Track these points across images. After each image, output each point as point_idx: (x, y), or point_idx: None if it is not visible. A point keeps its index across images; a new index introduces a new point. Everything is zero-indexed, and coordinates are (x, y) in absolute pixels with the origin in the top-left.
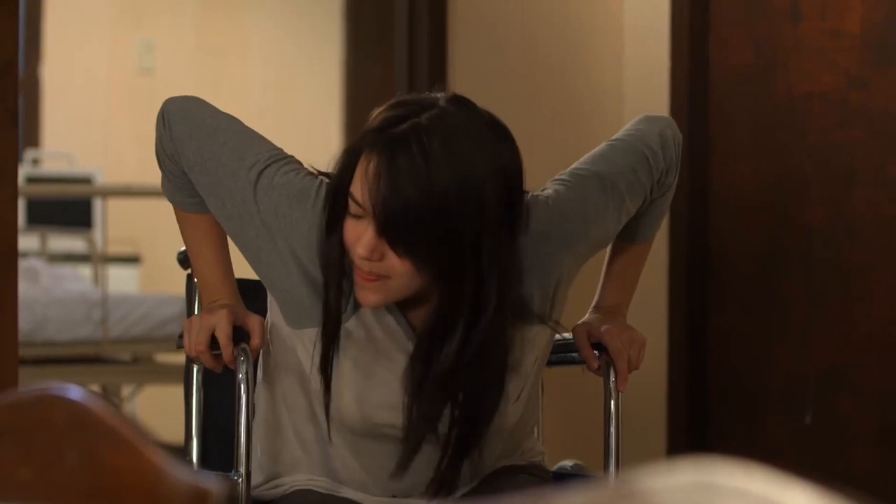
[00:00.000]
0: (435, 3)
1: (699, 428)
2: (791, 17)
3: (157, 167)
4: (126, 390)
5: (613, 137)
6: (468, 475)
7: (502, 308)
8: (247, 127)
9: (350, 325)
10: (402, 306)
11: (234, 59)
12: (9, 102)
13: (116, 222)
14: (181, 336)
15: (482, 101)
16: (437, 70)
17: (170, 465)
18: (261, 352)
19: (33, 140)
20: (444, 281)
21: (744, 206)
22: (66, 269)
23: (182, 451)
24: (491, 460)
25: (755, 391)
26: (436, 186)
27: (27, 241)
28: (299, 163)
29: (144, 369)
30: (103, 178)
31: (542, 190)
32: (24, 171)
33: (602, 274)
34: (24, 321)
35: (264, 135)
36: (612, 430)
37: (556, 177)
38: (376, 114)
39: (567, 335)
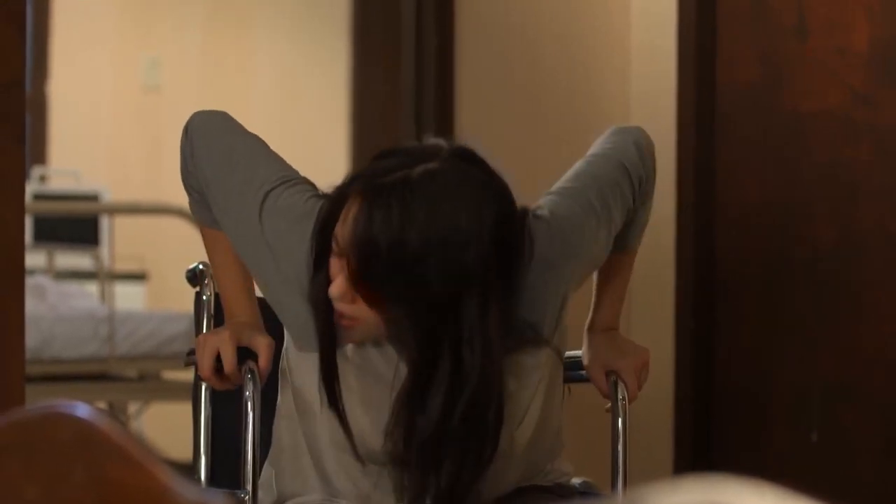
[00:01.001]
0: (442, 19)
1: (705, 444)
2: (798, 34)
3: (165, 185)
4: (133, 407)
5: (590, 153)
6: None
7: (486, 373)
8: (264, 147)
9: (349, 350)
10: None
11: (240, 76)
12: (16, 120)
13: (123, 239)
14: (189, 353)
15: (488, 117)
16: (444, 85)
17: (177, 483)
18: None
19: (40, 157)
20: (420, 341)
21: (750, 222)
22: (73, 287)
23: (190, 469)
24: (506, 485)
25: (761, 407)
26: (409, 244)
27: (34, 259)
28: (312, 185)
29: (151, 386)
30: (110, 195)
31: (537, 209)
32: (31, 188)
33: (594, 289)
34: (31, 338)
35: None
36: (620, 448)
37: (547, 193)
38: (377, 155)
39: (574, 353)
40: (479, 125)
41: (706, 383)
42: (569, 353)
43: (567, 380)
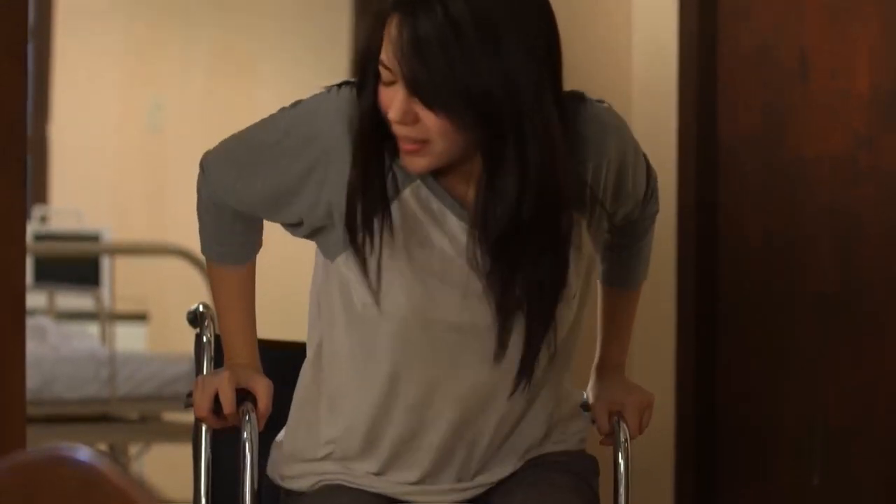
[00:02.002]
0: None
1: (707, 484)
2: (800, 77)
3: (166, 225)
4: (134, 449)
5: None
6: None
7: (549, 151)
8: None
9: (392, 208)
10: (450, 187)
11: (243, 118)
12: (17, 161)
13: (124, 280)
14: (188, 395)
15: None
16: None
17: None
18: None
19: (41, 197)
20: (485, 137)
21: (754, 265)
22: (74, 327)
23: None
24: (532, 429)
25: (764, 446)
26: (459, 27)
27: (35, 299)
28: None
29: (152, 428)
30: (111, 235)
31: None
32: (32, 228)
33: (599, 327)
34: (32, 379)
35: (273, 192)
36: (622, 490)
37: None
38: None
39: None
40: None
41: (708, 422)
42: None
43: None
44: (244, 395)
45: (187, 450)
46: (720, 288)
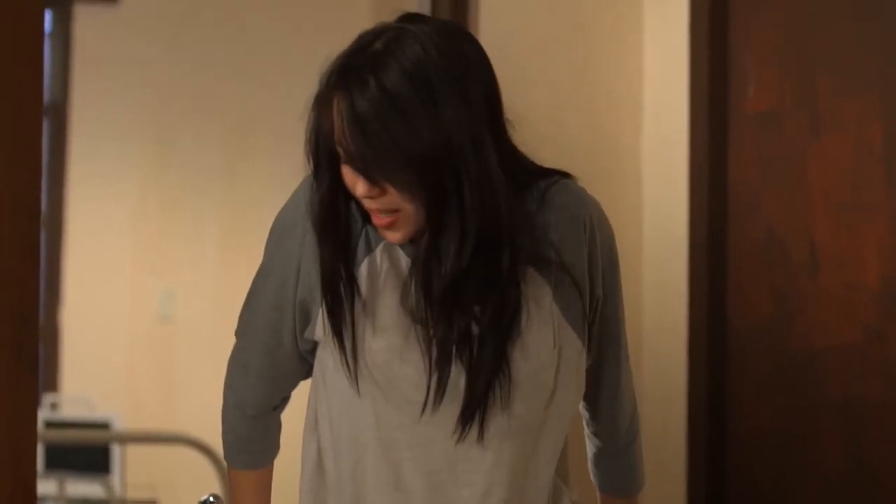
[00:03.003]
0: None
1: None
2: (810, 269)
3: (177, 414)
4: None
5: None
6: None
7: (490, 204)
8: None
9: (363, 268)
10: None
11: None
12: (29, 351)
13: (135, 468)
14: None
15: None
16: None
17: None
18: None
19: (52, 384)
20: (429, 200)
21: (760, 456)
22: None
23: None
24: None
25: None
26: (399, 96)
27: (45, 486)
28: None
29: None
30: (122, 423)
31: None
32: (42, 415)
33: None
34: None
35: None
36: None
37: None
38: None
39: None
40: None
41: None
42: None
43: None
44: None
45: None
46: (728, 479)
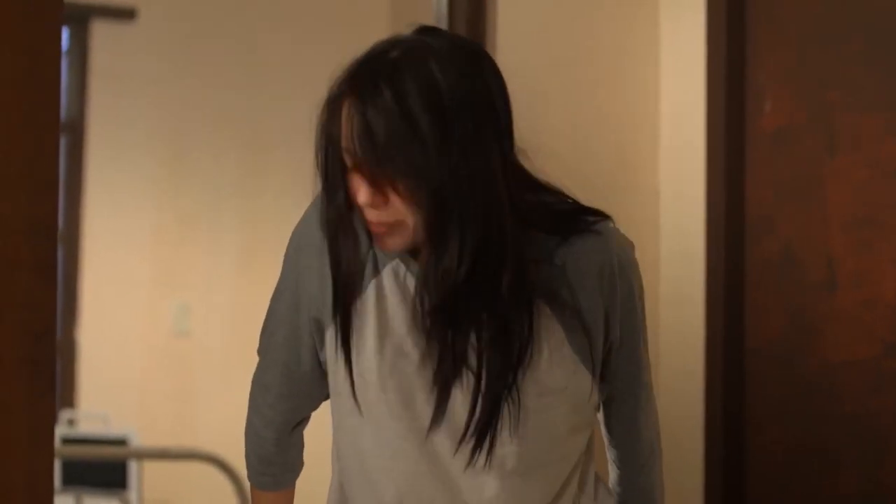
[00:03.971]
0: None
1: None
2: (827, 286)
3: (194, 430)
4: None
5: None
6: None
7: (492, 209)
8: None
9: (369, 292)
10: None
11: None
12: (47, 369)
13: (152, 484)
14: None
15: None
16: None
17: None
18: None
19: (69, 401)
20: (432, 218)
21: (777, 473)
22: None
23: None
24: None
25: None
26: (410, 110)
27: (63, 502)
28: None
29: None
30: (138, 439)
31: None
32: (59, 431)
33: None
34: None
35: (290, 301)
36: None
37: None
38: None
39: None
40: None
41: None
42: None
43: None
44: None
45: None
46: (746, 496)
